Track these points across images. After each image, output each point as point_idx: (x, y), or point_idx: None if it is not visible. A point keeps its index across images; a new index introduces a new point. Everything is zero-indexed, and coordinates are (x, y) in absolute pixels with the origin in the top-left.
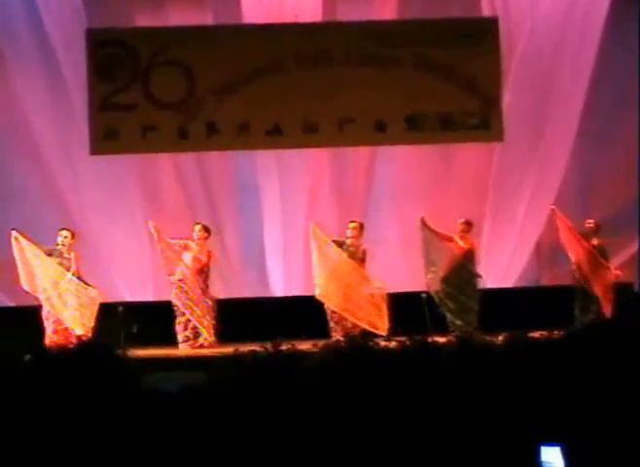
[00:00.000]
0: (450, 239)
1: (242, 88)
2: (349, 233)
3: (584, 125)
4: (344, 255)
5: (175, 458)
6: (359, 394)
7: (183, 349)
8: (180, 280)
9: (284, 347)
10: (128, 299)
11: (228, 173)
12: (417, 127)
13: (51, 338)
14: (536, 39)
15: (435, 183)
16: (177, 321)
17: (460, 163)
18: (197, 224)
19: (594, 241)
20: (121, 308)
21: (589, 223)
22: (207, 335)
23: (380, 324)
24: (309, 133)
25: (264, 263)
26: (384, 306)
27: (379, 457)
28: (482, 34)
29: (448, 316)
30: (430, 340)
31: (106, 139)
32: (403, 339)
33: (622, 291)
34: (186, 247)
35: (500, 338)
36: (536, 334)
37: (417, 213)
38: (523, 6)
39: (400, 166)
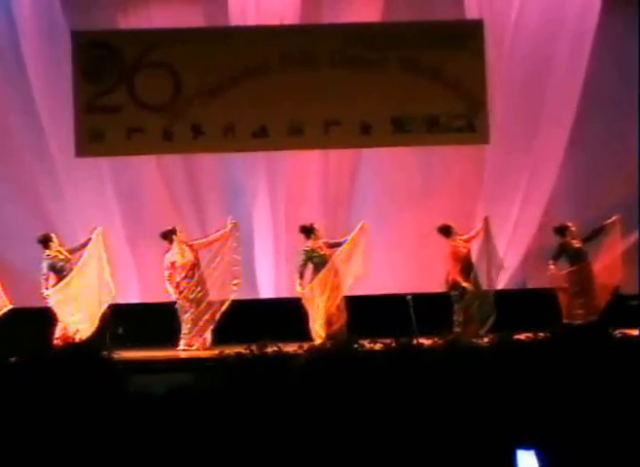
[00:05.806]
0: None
1: (228, 90)
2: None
3: (576, 129)
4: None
5: (162, 459)
6: (343, 396)
7: (167, 351)
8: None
9: (269, 349)
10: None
11: (215, 174)
12: (403, 130)
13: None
14: (525, 42)
15: (422, 185)
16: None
17: (447, 166)
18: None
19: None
20: (107, 310)
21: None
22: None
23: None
24: (295, 136)
25: (252, 264)
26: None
27: (362, 457)
28: (468, 36)
29: None
30: (415, 342)
31: (91, 141)
32: (388, 341)
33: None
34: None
35: (486, 339)
36: (522, 336)
37: (403, 215)
38: (510, 9)
39: (386, 168)
